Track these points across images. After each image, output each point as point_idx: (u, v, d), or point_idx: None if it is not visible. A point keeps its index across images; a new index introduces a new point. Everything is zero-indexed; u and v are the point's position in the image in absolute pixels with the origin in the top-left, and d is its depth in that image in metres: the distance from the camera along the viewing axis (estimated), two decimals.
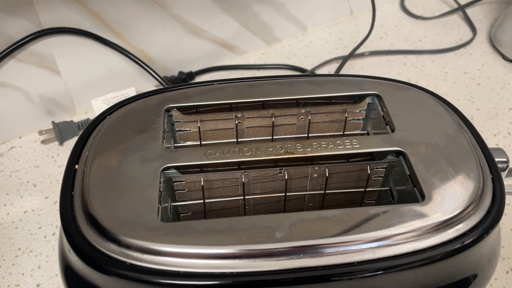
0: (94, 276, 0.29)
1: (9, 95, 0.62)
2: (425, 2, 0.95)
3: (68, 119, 0.67)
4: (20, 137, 0.66)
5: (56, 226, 0.55)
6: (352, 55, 0.76)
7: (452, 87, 0.76)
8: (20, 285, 0.50)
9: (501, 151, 0.37)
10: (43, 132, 0.65)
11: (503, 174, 0.37)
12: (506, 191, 0.38)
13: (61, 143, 0.64)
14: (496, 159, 0.36)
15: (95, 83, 0.67)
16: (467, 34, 0.87)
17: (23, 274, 0.51)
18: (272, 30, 0.80)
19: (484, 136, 0.68)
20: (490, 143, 0.66)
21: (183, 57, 0.74)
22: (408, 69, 0.79)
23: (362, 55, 0.80)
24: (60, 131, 0.64)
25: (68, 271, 0.32)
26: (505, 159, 0.36)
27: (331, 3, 0.85)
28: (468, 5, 0.91)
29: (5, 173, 0.61)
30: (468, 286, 0.31)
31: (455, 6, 0.91)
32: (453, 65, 0.80)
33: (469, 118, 0.70)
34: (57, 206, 0.58)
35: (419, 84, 0.77)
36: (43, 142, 0.64)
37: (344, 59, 0.75)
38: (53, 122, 0.64)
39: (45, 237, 0.55)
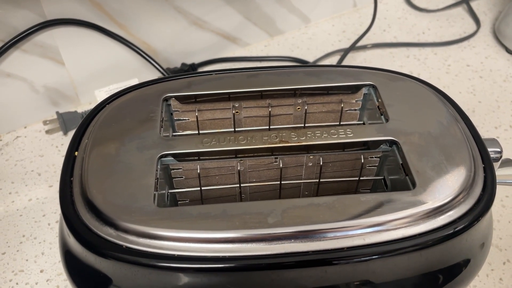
0: (92, 259, 0.30)
1: (14, 86, 0.63)
2: None
3: (72, 109, 0.68)
4: (25, 127, 0.67)
5: (60, 214, 0.56)
6: (354, 47, 0.77)
7: (454, 79, 0.76)
8: (24, 270, 0.52)
9: (495, 142, 0.37)
10: (48, 122, 0.66)
11: (497, 164, 0.38)
12: (498, 181, 0.38)
13: (65, 133, 0.65)
14: (490, 149, 0.36)
15: (99, 74, 0.68)
16: (471, 27, 0.86)
17: (27, 260, 0.52)
18: (275, 22, 0.80)
19: (485, 128, 0.68)
20: (491, 136, 0.66)
21: (186, 48, 0.74)
22: (411, 62, 0.79)
23: (364, 47, 0.80)
24: (64, 121, 0.65)
25: (67, 255, 0.32)
26: (498, 149, 0.37)
27: None
28: None
29: (10, 162, 0.63)
30: (460, 272, 0.32)
31: None
32: (456, 58, 0.80)
33: (470, 110, 0.71)
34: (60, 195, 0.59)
35: (421, 76, 0.78)
36: (47, 132, 0.66)
37: (345, 51, 0.76)
38: (57, 113, 0.65)
39: (48, 224, 0.56)
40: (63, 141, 0.65)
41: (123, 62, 0.69)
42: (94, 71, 0.68)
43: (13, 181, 0.60)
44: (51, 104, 0.67)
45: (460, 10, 0.90)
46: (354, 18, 0.88)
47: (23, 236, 0.55)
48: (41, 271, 0.51)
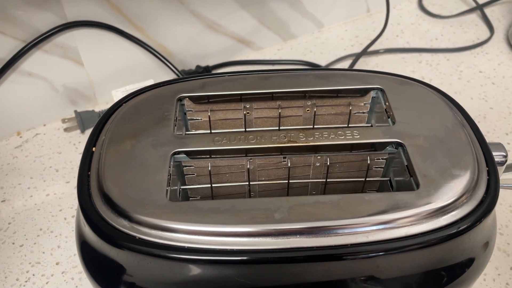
0: (107, 249, 0.31)
1: (34, 85, 0.65)
2: (443, 1, 0.95)
3: (90, 108, 0.70)
4: (44, 125, 0.69)
5: (77, 206, 0.58)
6: (365, 52, 0.78)
7: (466, 85, 0.76)
8: (40, 262, 0.53)
9: (500, 146, 0.38)
10: (66, 120, 0.68)
11: (502, 168, 0.38)
12: (503, 184, 0.39)
13: (82, 131, 0.68)
14: (495, 153, 0.37)
15: (116, 74, 0.70)
16: (484, 33, 0.86)
17: (43, 252, 0.54)
18: (288, 26, 0.82)
19: (496, 134, 0.68)
20: (502, 142, 0.67)
21: (201, 51, 0.76)
22: (423, 67, 0.79)
23: (377, 52, 0.81)
24: (82, 120, 0.67)
25: (83, 246, 0.34)
26: (503, 153, 0.37)
27: (348, 0, 0.86)
28: (486, 4, 0.91)
29: (30, 158, 0.65)
30: (463, 271, 0.32)
31: (474, 5, 0.91)
32: (468, 64, 0.80)
33: (481, 116, 0.71)
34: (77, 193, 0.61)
35: (432, 82, 0.78)
36: (66, 130, 0.68)
37: (357, 56, 0.77)
38: (75, 111, 0.67)
39: (65, 219, 0.58)
40: (81, 139, 0.67)
41: (139, 63, 0.71)
42: (112, 71, 0.70)
43: (32, 177, 0.63)
44: (70, 103, 0.69)
45: (474, 17, 0.90)
46: (367, 23, 0.89)
47: (40, 229, 0.57)
48: (57, 264, 0.53)
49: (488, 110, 0.72)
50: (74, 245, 0.55)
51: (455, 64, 0.80)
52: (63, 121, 0.68)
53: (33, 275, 0.52)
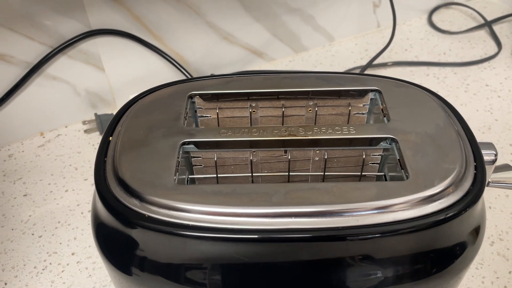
0: (119, 226, 0.34)
1: (58, 88, 0.69)
2: (452, 17, 0.97)
3: (109, 112, 0.74)
4: (66, 126, 0.73)
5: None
6: (371, 64, 0.80)
7: (472, 98, 0.78)
8: (57, 252, 0.57)
9: (491, 145, 0.40)
10: (86, 122, 0.72)
11: (492, 166, 0.40)
12: (494, 182, 0.41)
13: (101, 133, 0.71)
14: (486, 152, 0.39)
15: (135, 81, 0.74)
16: (492, 49, 0.88)
17: (60, 243, 0.58)
18: (300, 39, 0.85)
19: (500, 145, 0.70)
20: (506, 152, 0.68)
21: (215, 61, 0.80)
22: (430, 80, 0.82)
23: (385, 64, 0.83)
24: (101, 122, 0.71)
25: (98, 227, 0.37)
26: (493, 152, 0.39)
27: (359, 16, 0.89)
28: (495, 21, 0.93)
29: (51, 156, 0.69)
30: (452, 257, 0.34)
31: (482, 22, 0.93)
32: (475, 78, 0.82)
33: (486, 127, 0.73)
34: (94, 188, 0.64)
35: (439, 94, 0.80)
36: (86, 131, 0.72)
37: (363, 68, 0.79)
38: (95, 114, 0.71)
39: (81, 213, 0.61)
40: (99, 140, 0.71)
41: (157, 70, 0.75)
42: (131, 78, 0.74)
43: (52, 174, 0.66)
44: (91, 106, 0.73)
45: (482, 33, 0.93)
46: (377, 38, 0.92)
47: (58, 222, 0.60)
48: (73, 254, 0.56)
49: (493, 122, 0.73)
50: (90, 237, 0.58)
51: (462, 77, 0.82)
52: (84, 123, 0.72)
53: (50, 263, 0.55)
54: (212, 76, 0.45)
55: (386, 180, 0.41)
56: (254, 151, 0.40)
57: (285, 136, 0.38)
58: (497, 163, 0.41)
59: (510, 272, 0.54)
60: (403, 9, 0.92)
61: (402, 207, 0.33)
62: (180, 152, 0.37)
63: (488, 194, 0.62)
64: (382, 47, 0.89)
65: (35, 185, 0.65)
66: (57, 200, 0.63)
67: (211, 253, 0.32)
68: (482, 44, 0.90)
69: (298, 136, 0.38)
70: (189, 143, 0.38)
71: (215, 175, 0.41)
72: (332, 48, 0.89)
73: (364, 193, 0.33)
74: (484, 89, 0.80)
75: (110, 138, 0.39)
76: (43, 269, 0.55)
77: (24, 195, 0.63)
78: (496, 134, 0.71)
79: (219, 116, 0.44)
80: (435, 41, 0.91)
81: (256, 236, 0.32)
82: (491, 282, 0.53)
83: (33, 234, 0.59)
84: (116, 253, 0.35)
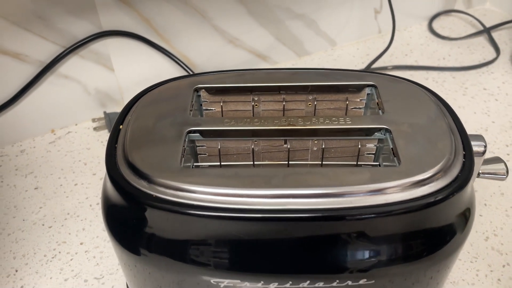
0: (129, 206, 0.36)
1: (69, 87, 0.72)
2: (452, 24, 1.00)
3: (118, 110, 0.76)
4: (76, 124, 0.76)
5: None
6: (370, 68, 0.83)
7: (470, 101, 0.80)
8: (66, 242, 0.59)
9: (480, 137, 0.42)
10: (96, 120, 0.75)
11: (481, 158, 0.42)
12: (483, 173, 0.43)
13: (110, 131, 0.74)
14: (476, 143, 0.41)
15: (143, 81, 0.77)
16: (490, 54, 0.91)
17: (69, 233, 0.60)
18: (302, 43, 0.88)
19: (496, 146, 0.72)
20: (501, 153, 0.70)
21: (221, 63, 0.83)
22: (429, 84, 0.84)
23: (385, 68, 0.86)
24: (110, 120, 0.73)
25: (108, 208, 0.39)
26: (483, 143, 0.41)
27: (360, 21, 0.92)
28: (494, 27, 0.96)
29: (62, 152, 0.71)
30: (442, 243, 0.36)
31: (481, 28, 0.96)
32: (473, 82, 0.84)
33: (483, 129, 0.75)
34: (102, 181, 0.67)
35: None
36: (95, 129, 0.74)
37: (362, 71, 0.82)
38: (104, 112, 0.74)
39: (90, 205, 0.64)
40: (108, 137, 0.73)
41: (164, 71, 0.78)
42: (139, 78, 0.77)
43: (62, 168, 0.69)
44: (100, 105, 0.76)
45: (481, 39, 0.95)
46: (378, 43, 0.94)
47: (68, 214, 0.62)
48: (81, 244, 0.59)
49: (490, 124, 0.75)
50: (97, 228, 0.60)
51: (461, 81, 0.84)
52: (93, 120, 0.75)
53: (59, 252, 0.58)
54: (217, 71, 0.47)
55: None
56: (255, 141, 0.42)
57: (285, 125, 0.40)
58: None
59: (503, 266, 0.55)
60: (404, 16, 0.95)
61: (394, 190, 0.35)
62: (186, 139, 0.40)
63: (484, 192, 0.64)
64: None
65: (45, 179, 0.67)
66: (66, 193, 0.65)
67: (213, 232, 0.35)
68: (481, 50, 0.92)
69: (297, 126, 0.40)
70: (194, 131, 0.41)
71: (219, 163, 0.43)
72: (334, 52, 0.92)
73: (358, 177, 0.35)
74: (482, 92, 0.82)
75: (121, 126, 0.42)
76: (52, 257, 0.57)
77: (35, 188, 0.66)
78: (493, 135, 0.73)
79: (223, 109, 0.47)
80: (435, 47, 0.93)
81: (256, 215, 0.34)
82: (485, 275, 0.55)
83: (43, 225, 0.61)
84: (125, 233, 0.38)
